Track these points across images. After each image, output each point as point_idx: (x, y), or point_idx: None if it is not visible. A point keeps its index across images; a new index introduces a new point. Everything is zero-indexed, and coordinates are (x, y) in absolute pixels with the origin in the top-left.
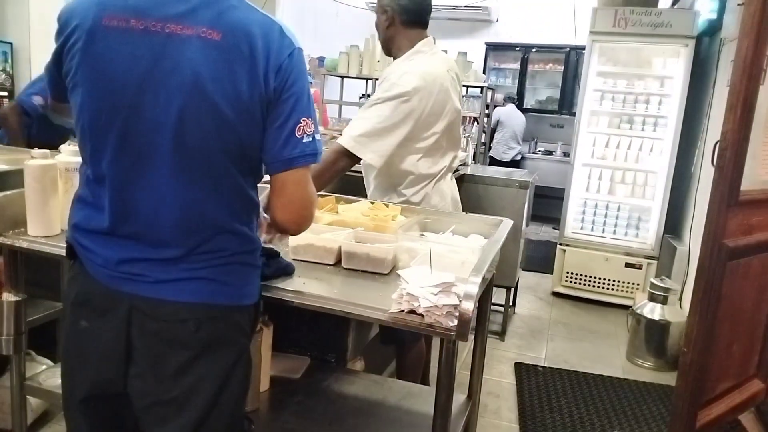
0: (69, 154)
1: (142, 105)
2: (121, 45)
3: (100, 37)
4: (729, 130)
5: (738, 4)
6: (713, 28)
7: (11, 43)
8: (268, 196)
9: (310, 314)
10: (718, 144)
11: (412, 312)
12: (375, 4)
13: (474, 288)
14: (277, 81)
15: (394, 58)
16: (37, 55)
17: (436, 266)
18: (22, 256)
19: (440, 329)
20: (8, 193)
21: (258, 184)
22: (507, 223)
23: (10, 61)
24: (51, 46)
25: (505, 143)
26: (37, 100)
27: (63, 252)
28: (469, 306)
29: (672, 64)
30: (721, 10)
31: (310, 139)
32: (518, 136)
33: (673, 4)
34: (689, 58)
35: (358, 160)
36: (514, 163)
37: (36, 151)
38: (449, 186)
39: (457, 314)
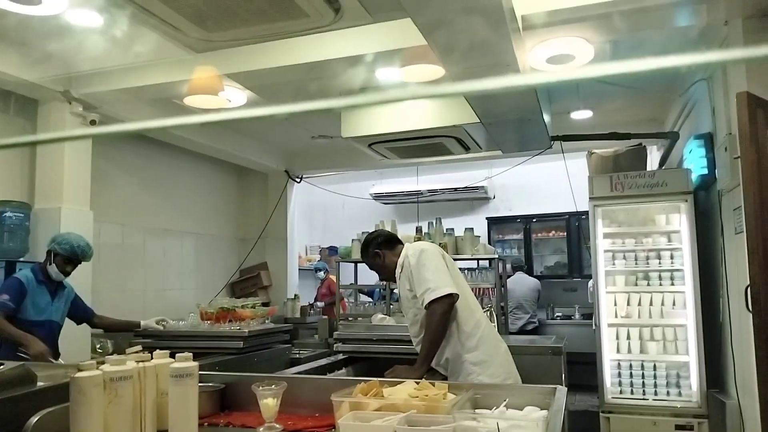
0: (113, 363)
1: None
2: None
3: None
4: (756, 274)
5: (734, 158)
6: (707, 183)
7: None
8: None
9: None
10: (748, 288)
11: None
12: (376, 197)
13: None
14: None
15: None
16: None
17: None
18: None
19: None
20: (51, 409)
21: None
22: (562, 391)
23: None
24: None
25: (512, 313)
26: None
27: None
28: None
29: (675, 219)
30: (711, 166)
31: None
32: (525, 304)
33: (660, 165)
34: (691, 211)
35: (451, 305)
36: (527, 332)
37: (84, 363)
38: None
39: None
